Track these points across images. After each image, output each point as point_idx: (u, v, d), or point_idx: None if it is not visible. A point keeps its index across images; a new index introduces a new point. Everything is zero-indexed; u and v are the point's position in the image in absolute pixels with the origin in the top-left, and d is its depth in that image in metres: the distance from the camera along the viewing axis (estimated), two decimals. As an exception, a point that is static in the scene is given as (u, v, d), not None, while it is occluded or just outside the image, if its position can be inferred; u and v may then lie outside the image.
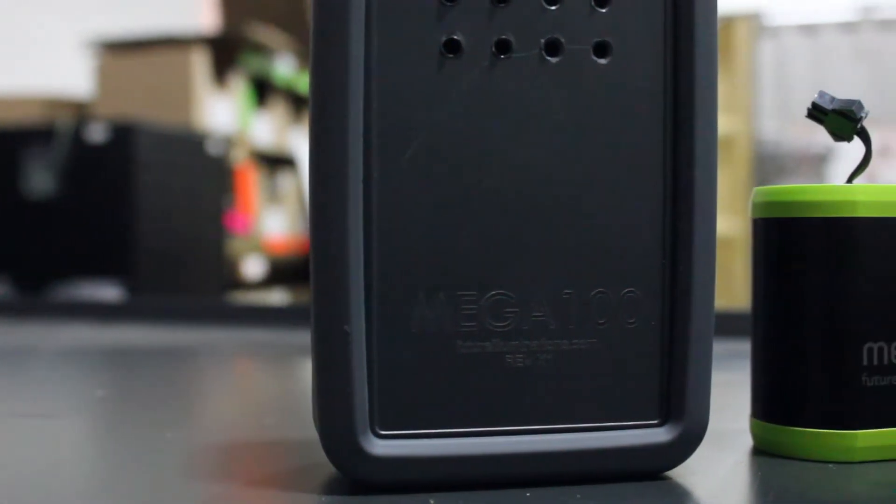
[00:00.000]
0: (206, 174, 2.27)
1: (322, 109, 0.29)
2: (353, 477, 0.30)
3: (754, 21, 2.90)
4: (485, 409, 0.30)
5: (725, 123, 2.71)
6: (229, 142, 2.45)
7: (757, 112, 2.93)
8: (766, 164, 2.87)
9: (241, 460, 0.36)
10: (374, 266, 0.29)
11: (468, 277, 0.30)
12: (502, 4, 0.30)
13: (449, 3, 0.30)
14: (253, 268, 2.65)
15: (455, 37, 0.30)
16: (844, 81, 2.81)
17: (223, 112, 2.56)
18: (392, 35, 0.29)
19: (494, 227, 0.30)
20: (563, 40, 0.30)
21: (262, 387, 0.62)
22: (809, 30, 2.95)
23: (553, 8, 0.30)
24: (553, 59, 0.30)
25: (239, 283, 2.55)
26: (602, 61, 0.30)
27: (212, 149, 2.28)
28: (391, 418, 0.30)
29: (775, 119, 2.96)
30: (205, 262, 2.28)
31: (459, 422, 0.30)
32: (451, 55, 0.30)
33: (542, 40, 0.30)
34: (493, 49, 0.30)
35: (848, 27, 2.93)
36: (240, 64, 2.66)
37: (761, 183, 2.23)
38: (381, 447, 0.30)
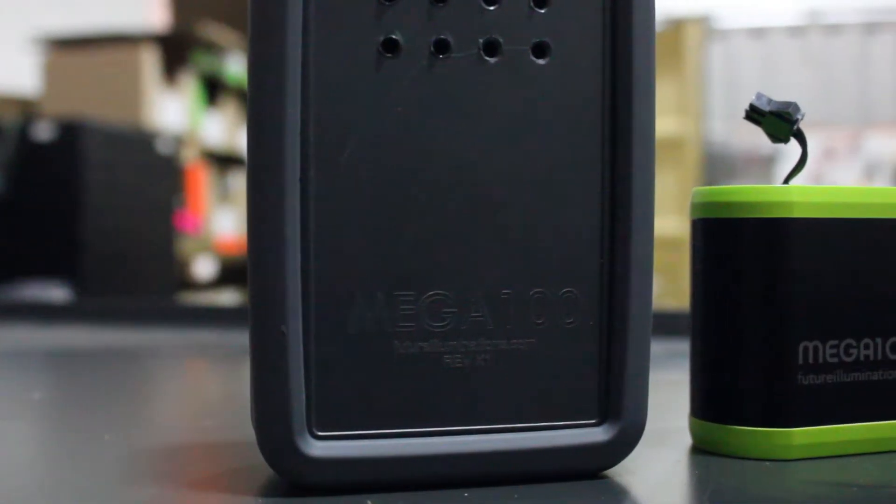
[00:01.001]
0: (155, 173, 2.25)
1: (259, 108, 0.29)
2: (290, 478, 0.30)
3: (704, 24, 2.92)
4: (423, 409, 0.30)
5: (675, 125, 2.74)
6: (179, 141, 2.43)
7: (706, 114, 2.96)
8: (716, 165, 2.90)
9: (179, 462, 0.36)
10: (312, 266, 0.29)
11: (406, 278, 0.30)
12: (441, 4, 0.30)
13: (387, 3, 0.29)
14: (203, 268, 2.63)
15: (393, 36, 0.30)
16: (791, 84, 2.85)
17: (173, 111, 2.53)
18: (330, 34, 0.29)
19: (432, 227, 0.30)
20: (501, 41, 0.30)
21: (207, 388, 0.61)
22: (758, 33, 2.98)
23: (492, 8, 0.30)
24: (492, 60, 0.30)
25: (189, 284, 2.53)
26: (541, 62, 0.31)
27: (162, 148, 2.26)
28: (328, 419, 0.30)
29: (724, 121, 2.99)
30: (154, 263, 2.25)
31: (397, 422, 0.30)
32: (389, 54, 0.30)
33: (481, 40, 0.30)
34: (432, 49, 0.30)
35: (795, 31, 2.97)
36: (190, 62, 2.64)
37: (710, 184, 2.25)
38: (319, 448, 0.29)
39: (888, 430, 0.35)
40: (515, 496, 0.29)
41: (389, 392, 0.30)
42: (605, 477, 0.32)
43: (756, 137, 2.81)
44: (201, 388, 0.62)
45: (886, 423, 0.35)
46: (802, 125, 0.36)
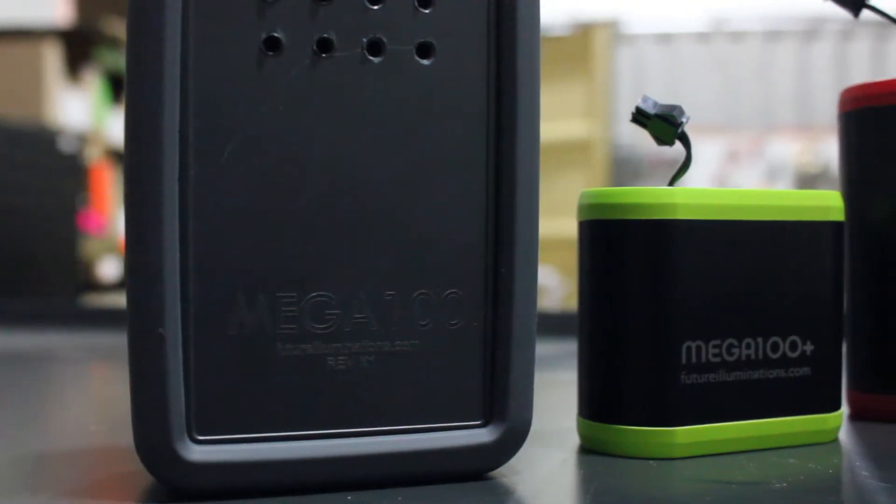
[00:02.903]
0: (58, 172, 2.19)
1: (136, 107, 0.28)
2: (170, 485, 0.29)
3: (612, 29, 2.97)
4: (306, 412, 0.30)
5: (583, 127, 2.77)
6: (83, 139, 2.37)
7: (614, 117, 3.00)
8: (623, 167, 2.94)
9: (57, 469, 0.35)
10: (191, 267, 0.29)
11: (288, 279, 0.29)
12: (325, 3, 0.29)
13: (270, 1, 0.29)
14: (108, 269, 2.57)
15: (275, 34, 0.29)
16: (697, 89, 2.90)
17: (77, 108, 2.48)
18: (210, 31, 0.29)
19: (315, 228, 0.30)
20: (385, 40, 0.30)
21: (102, 392, 0.60)
22: (665, 39, 3.04)
23: (376, 7, 0.30)
24: (375, 59, 0.30)
25: (93, 286, 2.47)
26: (425, 62, 0.30)
27: (64, 146, 2.20)
28: (209, 423, 0.29)
29: (631, 124, 3.03)
30: (57, 264, 2.19)
31: (280, 426, 0.30)
32: (271, 53, 0.29)
33: (365, 40, 0.30)
34: (315, 48, 0.29)
35: (701, 37, 3.03)
36: (94, 58, 2.58)
37: (618, 185, 2.28)
38: (199, 453, 0.29)
39: (769, 428, 0.36)
40: (399, 498, 0.29)
41: (271, 395, 0.29)
42: (491, 477, 0.32)
43: (663, 141, 2.86)
44: (97, 393, 0.60)
45: (767, 420, 0.36)
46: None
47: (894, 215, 0.41)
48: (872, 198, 0.42)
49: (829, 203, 0.37)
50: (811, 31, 3.00)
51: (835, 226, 0.37)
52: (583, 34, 2.84)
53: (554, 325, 0.70)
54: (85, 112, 2.52)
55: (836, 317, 0.37)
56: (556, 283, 2.27)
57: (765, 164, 2.99)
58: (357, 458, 0.30)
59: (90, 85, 2.56)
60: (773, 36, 3.02)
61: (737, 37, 3.04)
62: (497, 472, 0.32)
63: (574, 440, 0.37)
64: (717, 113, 2.86)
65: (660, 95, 0.37)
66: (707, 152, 2.71)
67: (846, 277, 0.40)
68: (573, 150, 2.74)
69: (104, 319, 0.91)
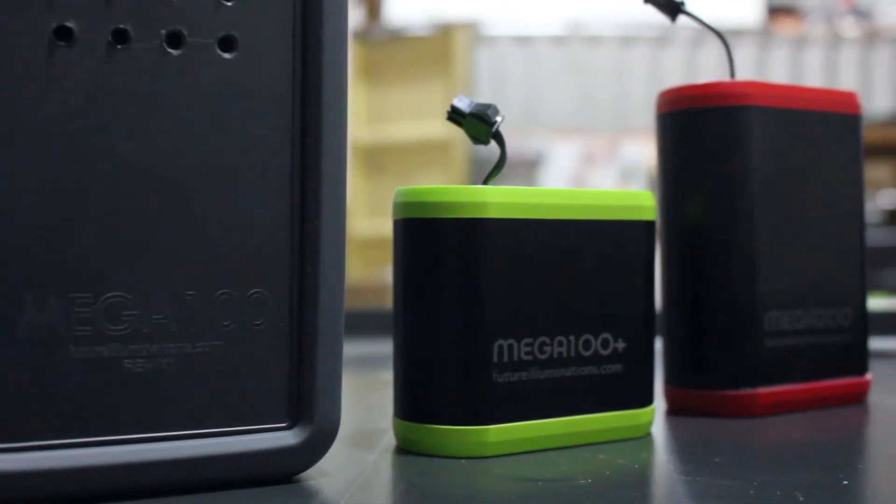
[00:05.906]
0: None
1: (-88, 96, 0.27)
2: (-47, 496, 0.28)
3: (472, 30, 2.99)
4: (102, 417, 0.29)
5: (443, 127, 2.79)
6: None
7: (473, 118, 3.01)
8: (482, 167, 2.97)
9: None
10: (-25, 267, 0.27)
11: (82, 279, 0.28)
12: (121, -8, 0.28)
13: (61, -12, 0.28)
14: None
15: (67, 23, 0.28)
16: (554, 91, 2.96)
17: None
18: (-5, 18, 0.27)
19: (111, 226, 0.28)
20: (185, 32, 0.29)
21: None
22: (523, 41, 3.08)
23: (176, -1, 0.29)
24: (175, 52, 0.29)
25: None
26: (227, 56, 0.30)
27: None
28: (-5, 431, 0.28)
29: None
30: None
31: (74, 432, 0.28)
32: (62, 43, 0.28)
33: (164, 31, 0.29)
34: (110, 38, 0.28)
35: (558, 41, 3.09)
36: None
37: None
38: (-16, 462, 0.27)
39: (582, 425, 0.36)
40: (200, 504, 0.28)
41: (64, 400, 0.28)
42: (298, 480, 0.31)
43: (521, 142, 2.90)
44: None
45: (580, 417, 0.36)
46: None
47: (706, 214, 0.42)
48: (686, 197, 0.43)
49: (640, 202, 0.38)
50: (663, 37, 3.09)
51: (646, 225, 0.38)
52: (443, 35, 2.85)
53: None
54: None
55: (648, 314, 0.38)
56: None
57: (619, 166, 3.07)
58: (157, 463, 0.29)
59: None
60: (627, 41, 3.10)
61: (593, 41, 3.10)
62: (305, 475, 0.32)
63: (391, 441, 0.37)
64: (573, 115, 2.92)
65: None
66: (564, 154, 2.76)
67: (661, 276, 0.41)
68: (432, 150, 2.75)
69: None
